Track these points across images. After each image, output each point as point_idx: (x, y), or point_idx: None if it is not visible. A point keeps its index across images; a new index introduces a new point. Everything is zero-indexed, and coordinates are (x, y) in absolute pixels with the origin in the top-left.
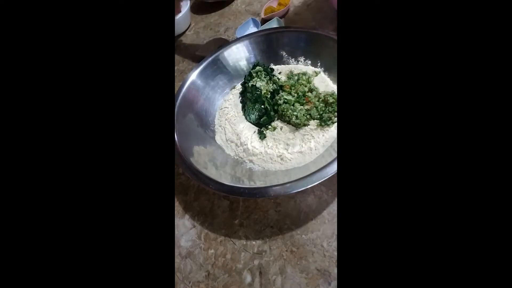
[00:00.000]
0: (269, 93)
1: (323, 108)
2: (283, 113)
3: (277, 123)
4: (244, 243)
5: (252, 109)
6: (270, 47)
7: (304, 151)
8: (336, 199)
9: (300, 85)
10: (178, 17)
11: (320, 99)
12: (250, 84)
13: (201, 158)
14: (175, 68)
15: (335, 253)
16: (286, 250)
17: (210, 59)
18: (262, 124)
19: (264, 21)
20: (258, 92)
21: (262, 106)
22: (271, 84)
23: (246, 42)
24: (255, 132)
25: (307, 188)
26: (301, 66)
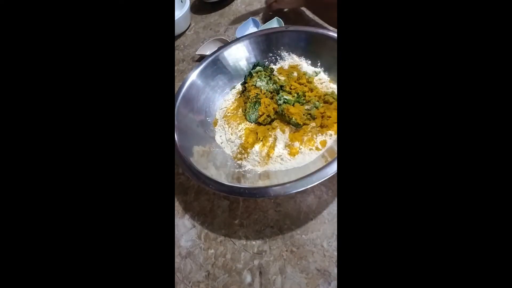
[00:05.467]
0: (269, 93)
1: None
2: (283, 113)
3: (277, 123)
4: (244, 243)
5: (252, 109)
6: (270, 47)
7: (304, 151)
8: (336, 199)
9: (300, 85)
10: (178, 17)
11: (320, 99)
12: (250, 84)
13: (201, 158)
14: (175, 68)
15: (335, 253)
16: (286, 250)
17: (210, 59)
18: (262, 124)
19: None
20: (258, 92)
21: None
22: (271, 84)
23: (246, 42)
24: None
25: (307, 188)
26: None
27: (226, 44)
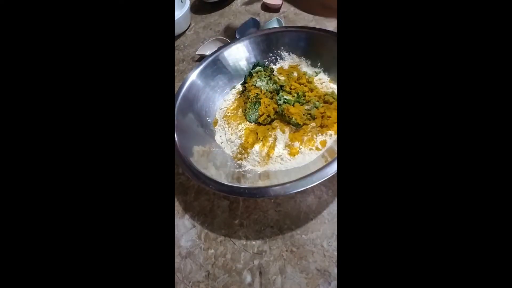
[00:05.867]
0: (269, 93)
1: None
2: (283, 113)
3: (277, 123)
4: (244, 243)
5: (252, 109)
6: (270, 47)
7: (304, 151)
8: (336, 199)
9: (300, 85)
10: (178, 17)
11: (320, 99)
12: (250, 84)
13: (201, 158)
14: (175, 68)
15: (335, 253)
16: (286, 250)
17: (210, 59)
18: (262, 124)
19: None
20: (258, 92)
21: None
22: (271, 84)
23: (246, 42)
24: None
25: (307, 188)
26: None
27: (226, 44)
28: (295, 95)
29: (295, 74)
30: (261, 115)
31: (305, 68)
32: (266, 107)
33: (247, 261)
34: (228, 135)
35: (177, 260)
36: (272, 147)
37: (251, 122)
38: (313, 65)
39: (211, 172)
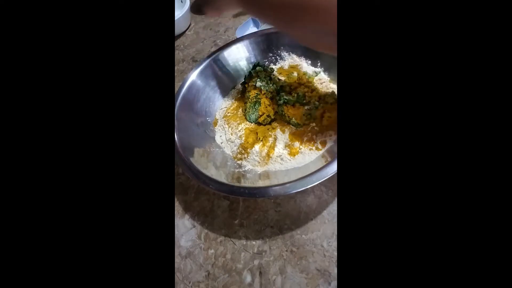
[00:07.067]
0: (269, 93)
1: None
2: (283, 113)
3: (277, 123)
4: (244, 243)
5: (252, 109)
6: (270, 47)
7: (304, 151)
8: (336, 199)
9: (300, 85)
10: (178, 17)
11: (320, 99)
12: (250, 84)
13: (201, 158)
14: (175, 68)
15: (335, 253)
16: (286, 250)
17: (210, 59)
18: (262, 124)
19: None
20: (258, 92)
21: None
22: (271, 84)
23: (246, 42)
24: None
25: (307, 188)
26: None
27: (226, 44)
28: (295, 95)
29: (295, 74)
30: (261, 115)
31: (305, 68)
32: (266, 107)
33: (247, 261)
34: (228, 135)
35: (177, 260)
36: (272, 147)
37: (251, 122)
38: (313, 65)
39: (211, 172)
